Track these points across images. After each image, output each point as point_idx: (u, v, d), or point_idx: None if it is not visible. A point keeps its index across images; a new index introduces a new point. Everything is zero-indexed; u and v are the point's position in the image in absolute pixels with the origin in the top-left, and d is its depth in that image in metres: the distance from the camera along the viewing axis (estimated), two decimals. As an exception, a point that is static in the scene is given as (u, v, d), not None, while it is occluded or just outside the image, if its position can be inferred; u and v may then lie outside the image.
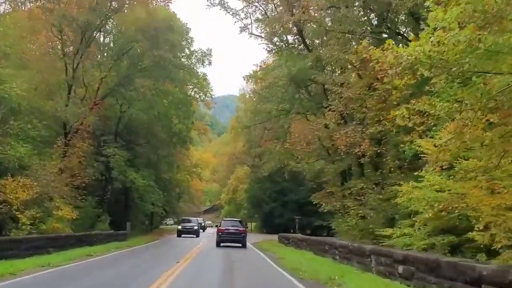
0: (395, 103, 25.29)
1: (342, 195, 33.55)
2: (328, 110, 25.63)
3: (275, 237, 43.80)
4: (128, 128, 42.16)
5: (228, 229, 29.36)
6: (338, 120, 25.11)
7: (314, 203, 38.32)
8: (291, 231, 66.71)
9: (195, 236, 42.98)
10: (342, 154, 25.85)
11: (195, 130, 46.59)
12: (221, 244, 28.63)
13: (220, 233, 29.26)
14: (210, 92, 43.59)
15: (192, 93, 43.10)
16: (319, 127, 26.96)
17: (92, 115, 32.59)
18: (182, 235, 42.87)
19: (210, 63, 39.27)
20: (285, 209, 62.06)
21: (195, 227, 44.96)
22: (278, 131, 37.53)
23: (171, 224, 78.91)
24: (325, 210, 28.73)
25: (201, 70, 40.05)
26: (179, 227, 45.64)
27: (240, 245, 28.65)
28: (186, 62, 39.73)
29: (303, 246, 25.91)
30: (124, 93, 34.71)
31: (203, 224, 65.04)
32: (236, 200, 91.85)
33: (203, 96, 45.70)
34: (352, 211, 24.75)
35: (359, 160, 27.10)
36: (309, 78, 29.48)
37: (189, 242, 33.53)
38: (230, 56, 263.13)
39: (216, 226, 35.36)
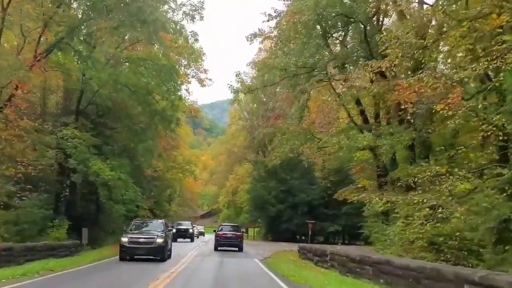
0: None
1: (384, 189, 24.27)
2: (384, 49, 15.94)
3: (287, 246, 34.26)
4: (98, 106, 32.50)
5: (226, 234, 30.49)
6: (405, 61, 15.54)
7: (331, 204, 29.39)
8: (298, 237, 56.81)
9: (159, 258, 20.55)
10: (409, 116, 16.02)
11: (184, 112, 36.76)
12: (219, 248, 29.45)
13: (218, 238, 30.24)
14: (202, 57, 33.82)
15: (180, 60, 33.35)
16: (366, 78, 17.22)
17: (35, 75, 23.05)
18: (136, 256, 20.60)
19: (202, 18, 29.74)
20: (294, 212, 52.22)
21: (158, 241, 20.67)
22: (293, 102, 27.75)
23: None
24: (380, 209, 19.03)
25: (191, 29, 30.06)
26: (124, 239, 21.08)
27: (236, 249, 29.34)
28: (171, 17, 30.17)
29: (372, 274, 13.47)
30: (79, 48, 25.10)
31: (191, 230, 49.57)
32: (236, 203, 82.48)
33: (194, 69, 36.04)
34: (430, 210, 15.05)
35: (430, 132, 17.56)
36: (345, 14, 19.90)
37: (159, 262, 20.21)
38: (231, 59, 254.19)
39: (214, 231, 33.43)
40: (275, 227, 53.34)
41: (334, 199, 55.94)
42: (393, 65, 15.50)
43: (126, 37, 29.48)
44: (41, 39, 23.26)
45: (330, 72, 24.99)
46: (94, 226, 33.82)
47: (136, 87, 30.33)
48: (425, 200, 15.56)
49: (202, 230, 61.81)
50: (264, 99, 57.38)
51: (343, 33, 23.53)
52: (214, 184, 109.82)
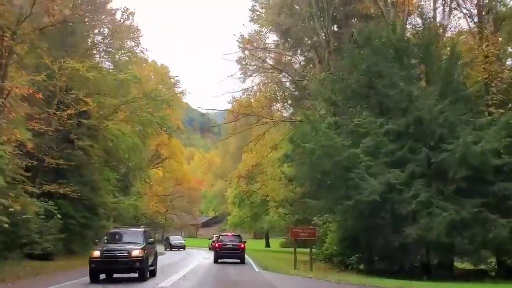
0: None
1: None
2: None
3: None
4: None
5: (226, 245, 27.63)
6: None
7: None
8: (437, 262, 20.82)
9: None
10: None
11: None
12: (219, 260, 26.89)
13: (217, 249, 27.85)
14: None
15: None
16: None
17: None
18: None
19: None
20: (432, 194, 17.49)
21: None
22: None
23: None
24: None
25: None
26: None
27: (238, 260, 26.76)
28: None
29: None
30: None
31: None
32: (253, 199, 48.38)
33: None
34: None
35: None
36: None
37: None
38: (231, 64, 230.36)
39: (213, 240, 29.89)
40: (375, 235, 18.39)
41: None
42: None
43: None
44: None
45: None
46: None
47: None
48: None
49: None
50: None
51: None
52: (220, 177, 78.58)
